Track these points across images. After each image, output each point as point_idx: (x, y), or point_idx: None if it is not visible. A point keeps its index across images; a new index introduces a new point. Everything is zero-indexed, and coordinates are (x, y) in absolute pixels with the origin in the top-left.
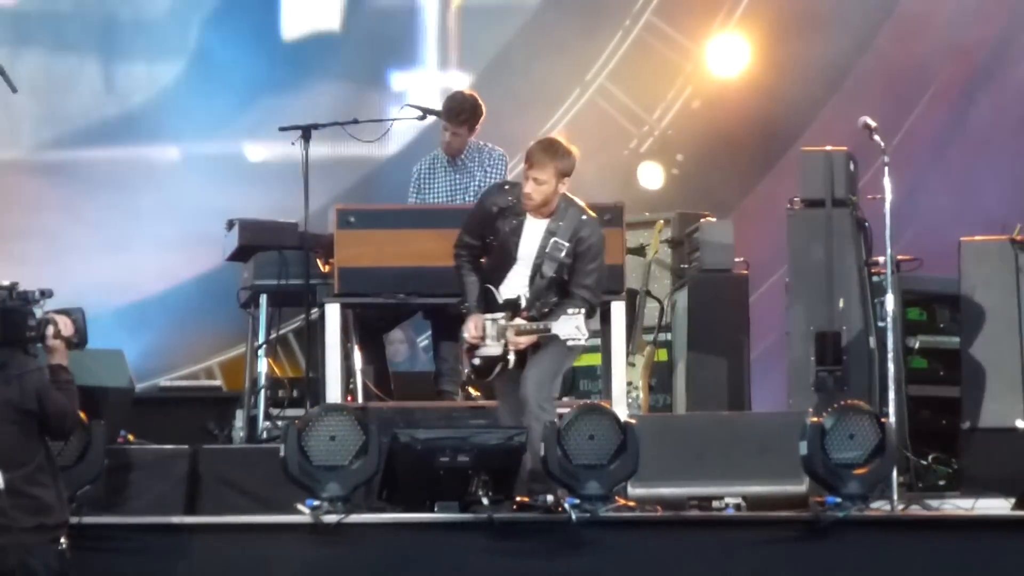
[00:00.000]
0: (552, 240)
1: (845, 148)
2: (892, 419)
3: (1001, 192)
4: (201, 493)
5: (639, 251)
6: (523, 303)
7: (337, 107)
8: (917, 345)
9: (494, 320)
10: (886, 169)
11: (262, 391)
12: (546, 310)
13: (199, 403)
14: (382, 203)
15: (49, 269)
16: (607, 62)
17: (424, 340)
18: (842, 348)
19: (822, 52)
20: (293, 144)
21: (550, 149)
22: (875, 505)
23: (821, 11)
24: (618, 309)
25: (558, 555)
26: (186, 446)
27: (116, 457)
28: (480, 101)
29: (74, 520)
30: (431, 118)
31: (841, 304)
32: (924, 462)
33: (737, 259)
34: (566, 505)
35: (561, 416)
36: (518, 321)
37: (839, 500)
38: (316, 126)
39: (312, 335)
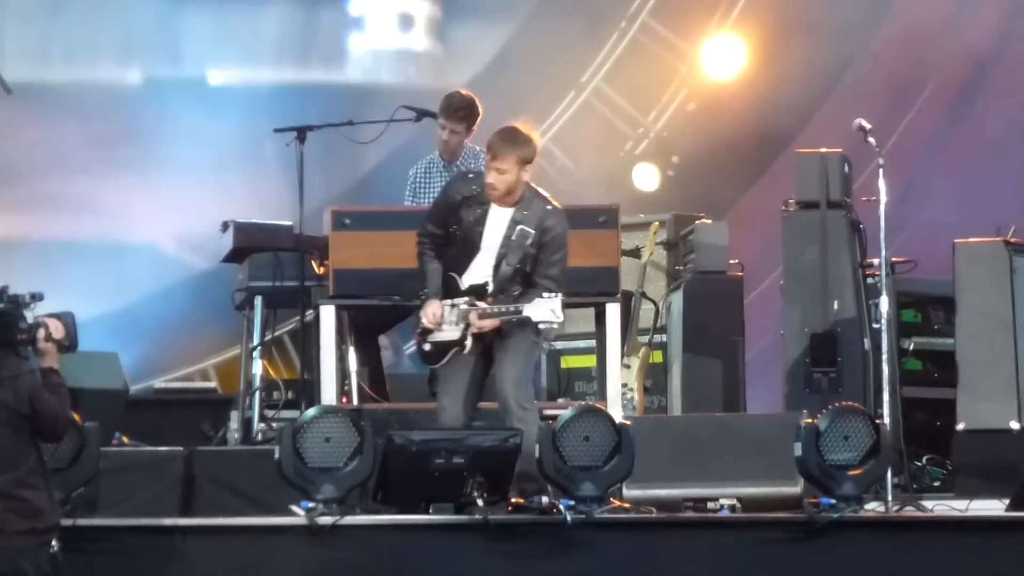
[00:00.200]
0: (518, 229)
1: (840, 150)
2: (886, 420)
3: (996, 194)
4: (196, 495)
5: (634, 253)
6: (489, 289)
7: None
8: (911, 347)
9: (455, 305)
10: (881, 171)
11: (257, 393)
12: (513, 299)
13: (194, 405)
14: (377, 205)
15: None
16: (603, 64)
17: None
18: (837, 350)
19: (817, 54)
20: (288, 145)
21: (510, 138)
22: (869, 506)
23: (816, 13)
24: (613, 311)
25: (553, 557)
26: (181, 448)
27: (110, 459)
28: (478, 101)
29: (68, 522)
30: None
31: (836, 306)
32: (918, 463)
33: (732, 261)
34: (561, 507)
35: (556, 417)
36: (483, 305)
37: (834, 501)
38: (311, 127)
39: (307, 337)
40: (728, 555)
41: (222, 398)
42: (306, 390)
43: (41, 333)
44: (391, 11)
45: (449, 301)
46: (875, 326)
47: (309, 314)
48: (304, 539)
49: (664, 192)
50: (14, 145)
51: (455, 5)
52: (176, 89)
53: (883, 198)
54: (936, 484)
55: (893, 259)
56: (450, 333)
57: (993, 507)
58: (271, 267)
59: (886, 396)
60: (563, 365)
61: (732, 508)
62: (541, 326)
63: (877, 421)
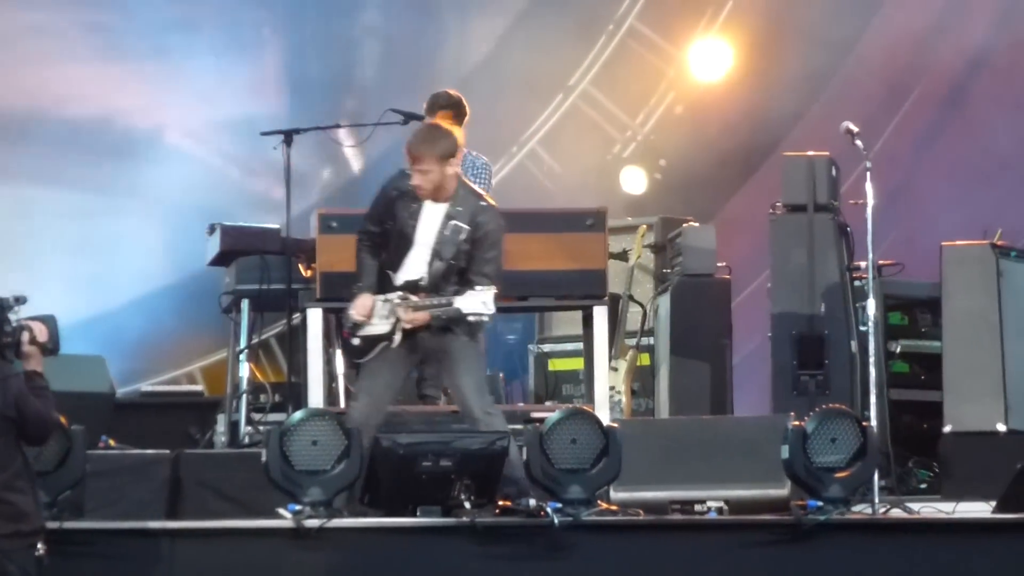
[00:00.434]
0: (451, 224)
1: (827, 153)
2: (874, 423)
3: (983, 197)
4: (182, 498)
5: (622, 256)
6: (423, 284)
7: None
8: (899, 349)
9: (386, 300)
10: (868, 174)
11: (244, 396)
12: (448, 295)
13: (180, 408)
14: (364, 208)
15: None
16: (591, 67)
17: None
18: (824, 352)
19: (805, 57)
20: (275, 148)
21: (426, 139)
22: (857, 509)
23: (803, 17)
24: (601, 314)
25: (540, 559)
26: (167, 451)
27: (97, 462)
28: (464, 100)
29: (54, 525)
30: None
31: (823, 309)
32: (909, 465)
33: (720, 264)
34: (548, 509)
35: (543, 420)
36: (414, 299)
37: (821, 504)
38: (297, 131)
39: (294, 340)
40: (715, 557)
41: (209, 401)
42: (293, 393)
43: (25, 336)
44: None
45: (381, 296)
46: (862, 329)
47: (296, 317)
48: (291, 542)
49: (652, 195)
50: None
51: (442, 10)
52: None
53: (870, 201)
54: (923, 486)
55: (880, 262)
56: (379, 327)
57: (980, 509)
58: (258, 270)
59: (873, 399)
60: (551, 368)
61: (719, 510)
62: (471, 318)
63: (864, 424)
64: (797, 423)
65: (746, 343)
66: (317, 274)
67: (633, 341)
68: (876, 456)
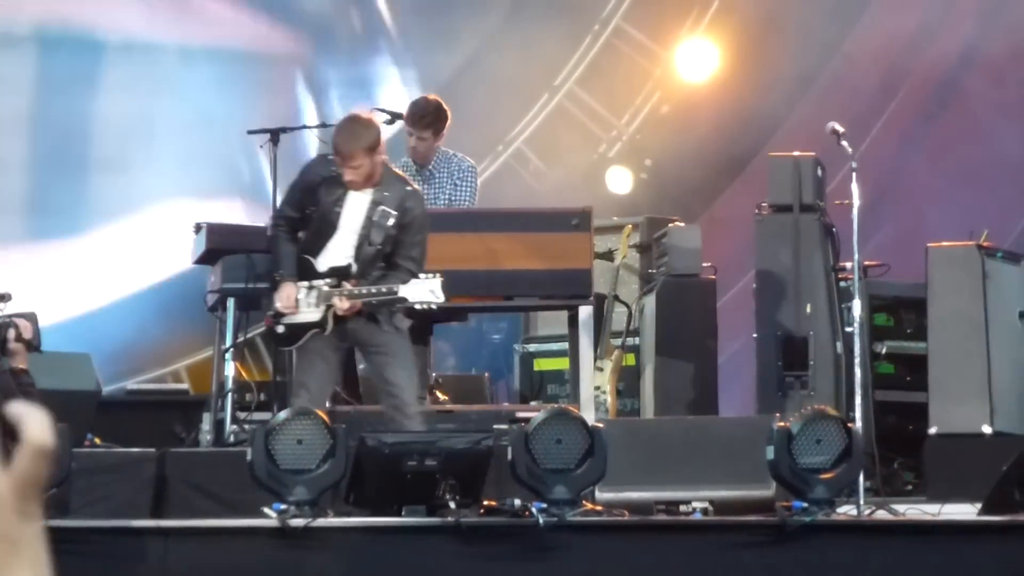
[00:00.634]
0: (379, 209)
1: (813, 153)
2: (859, 424)
3: (969, 198)
4: (167, 497)
5: (607, 255)
6: (353, 270)
7: None
8: (884, 350)
9: (312, 287)
10: (854, 175)
11: (229, 394)
12: (374, 280)
13: (166, 406)
14: None
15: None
16: (576, 67)
17: None
18: (809, 353)
19: (791, 57)
20: (261, 147)
21: (352, 134)
22: (841, 510)
23: (789, 16)
24: (586, 313)
25: (525, 559)
26: (152, 449)
27: (82, 460)
28: (445, 106)
29: None
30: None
31: (808, 309)
32: (895, 465)
33: (705, 264)
34: (533, 509)
35: (528, 420)
36: (348, 286)
37: (806, 505)
38: (284, 129)
39: None
40: (700, 558)
41: (194, 400)
42: (278, 392)
43: (11, 333)
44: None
45: (305, 283)
46: (847, 330)
47: None
48: (276, 541)
49: (637, 195)
50: None
51: (427, 11)
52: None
53: (856, 202)
54: (908, 488)
55: (866, 263)
56: (309, 314)
57: (965, 511)
58: (244, 269)
59: (858, 400)
60: (536, 368)
61: (704, 511)
62: (418, 307)
63: (849, 425)
64: (782, 424)
65: (731, 343)
66: None
67: (618, 341)
68: (861, 457)
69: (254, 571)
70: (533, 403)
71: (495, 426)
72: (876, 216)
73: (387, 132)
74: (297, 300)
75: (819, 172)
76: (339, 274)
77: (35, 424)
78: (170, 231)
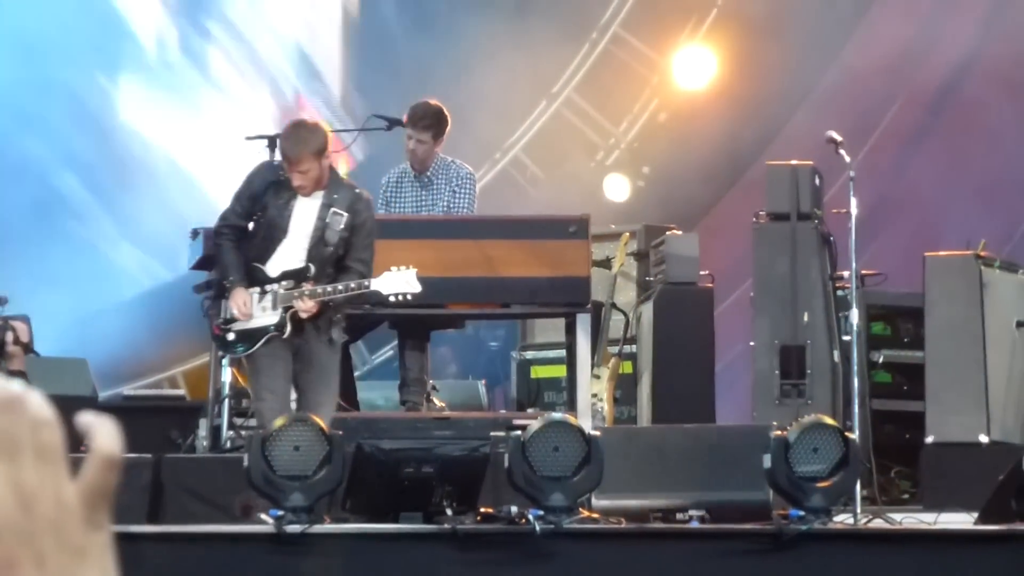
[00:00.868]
0: (331, 211)
1: (811, 162)
2: (856, 433)
3: (966, 207)
4: (164, 502)
5: (605, 263)
6: (312, 271)
7: None
8: (881, 359)
9: (266, 291)
10: (851, 184)
11: (226, 400)
12: (328, 282)
13: (162, 412)
14: None
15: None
16: (574, 74)
17: (389, 351)
18: (806, 362)
19: (789, 65)
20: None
21: (300, 139)
22: (838, 519)
23: (788, 24)
24: (583, 321)
25: (522, 566)
26: (149, 455)
27: (78, 466)
28: (445, 111)
29: None
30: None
31: (806, 318)
32: (892, 474)
33: (702, 272)
34: (530, 517)
35: (525, 427)
36: (309, 286)
37: (802, 513)
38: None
39: None
40: (696, 566)
41: (191, 405)
42: None
43: (9, 336)
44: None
45: (257, 288)
46: (845, 338)
47: None
48: (272, 547)
49: (635, 203)
50: None
51: (425, 17)
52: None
53: (853, 210)
54: (905, 497)
55: (863, 271)
56: (265, 318)
57: (962, 520)
58: None
59: (855, 408)
60: (533, 375)
61: (701, 519)
62: (391, 299)
63: (846, 434)
64: (779, 432)
65: (728, 351)
66: None
67: (616, 349)
68: (858, 466)
69: None
70: (530, 410)
71: (492, 433)
72: (874, 225)
73: (384, 139)
74: (250, 305)
75: (817, 181)
76: (294, 276)
77: (103, 433)
78: (167, 236)
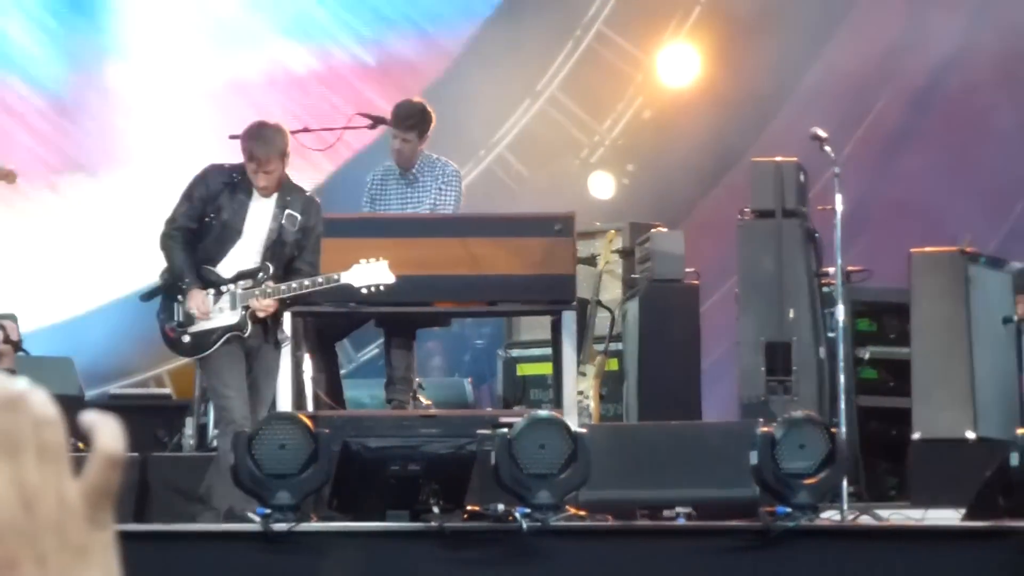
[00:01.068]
0: (286, 213)
1: (795, 159)
2: (842, 429)
3: (951, 203)
4: (150, 501)
5: (590, 261)
6: (270, 271)
7: None
8: (867, 356)
9: (222, 292)
10: (836, 180)
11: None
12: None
13: (148, 411)
14: (334, 212)
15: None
16: (558, 72)
17: (375, 349)
18: (792, 358)
19: (773, 62)
20: None
21: (267, 141)
22: (825, 515)
23: (772, 21)
24: (569, 319)
25: (509, 564)
26: (135, 454)
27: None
28: (429, 109)
29: None
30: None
31: (791, 314)
32: (874, 472)
33: (688, 269)
34: (517, 514)
35: (511, 425)
36: (271, 284)
37: (789, 510)
38: None
39: None
40: (683, 563)
41: (177, 404)
42: None
43: (0, 335)
44: None
45: (212, 289)
46: (830, 335)
47: None
48: (259, 546)
49: (620, 200)
50: None
51: (409, 15)
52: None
53: (839, 207)
54: (891, 493)
55: (848, 268)
56: (223, 319)
57: (949, 516)
58: None
59: (841, 405)
60: (519, 373)
61: (688, 516)
62: (363, 291)
63: (833, 430)
64: (765, 429)
65: (714, 348)
66: None
67: (601, 346)
68: (845, 462)
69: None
70: (516, 408)
71: (478, 431)
72: (859, 221)
73: (369, 137)
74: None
75: (802, 177)
76: (251, 276)
77: (106, 431)
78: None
